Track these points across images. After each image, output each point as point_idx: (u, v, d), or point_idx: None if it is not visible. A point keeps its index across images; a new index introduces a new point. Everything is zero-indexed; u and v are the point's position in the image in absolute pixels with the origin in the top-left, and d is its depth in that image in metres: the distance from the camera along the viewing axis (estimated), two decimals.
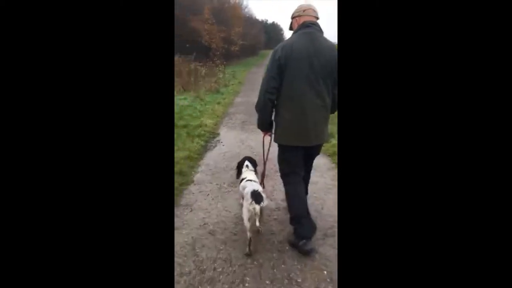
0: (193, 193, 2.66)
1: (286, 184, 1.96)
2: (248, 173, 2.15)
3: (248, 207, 1.74)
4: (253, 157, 2.43)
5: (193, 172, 3.10)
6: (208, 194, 2.64)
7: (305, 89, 1.70)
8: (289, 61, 1.68)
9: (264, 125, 1.93)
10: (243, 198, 1.92)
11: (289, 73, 1.70)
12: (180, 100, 6.82)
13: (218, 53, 13.42)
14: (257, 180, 2.07)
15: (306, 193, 2.11)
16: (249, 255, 1.80)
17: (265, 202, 1.79)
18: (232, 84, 9.95)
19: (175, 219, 2.22)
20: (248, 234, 1.80)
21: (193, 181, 2.89)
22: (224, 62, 12.00)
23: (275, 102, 1.80)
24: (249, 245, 1.81)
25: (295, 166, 1.90)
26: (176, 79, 8.23)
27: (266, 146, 2.14)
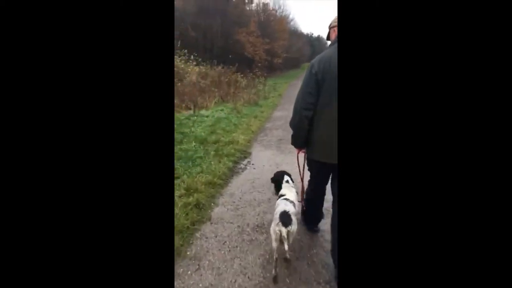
0: (206, 238, 2.05)
1: (310, 190, 1.95)
2: (288, 189, 1.97)
3: (275, 228, 1.62)
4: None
5: (212, 204, 2.52)
6: (225, 242, 2.01)
7: (335, 109, 1.48)
8: (327, 76, 1.53)
9: (299, 143, 1.80)
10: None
11: (327, 88, 1.54)
12: (216, 112, 6.45)
13: (260, 64, 13.13)
14: (295, 199, 1.89)
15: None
16: (275, 278, 1.64)
17: (293, 226, 1.63)
18: (272, 97, 9.42)
19: (175, 282, 1.62)
20: (274, 255, 1.65)
21: (209, 218, 2.30)
22: (265, 74, 11.60)
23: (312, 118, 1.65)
24: (275, 266, 1.65)
25: (320, 182, 1.86)
26: (214, 89, 7.96)
27: (301, 164, 1.99)
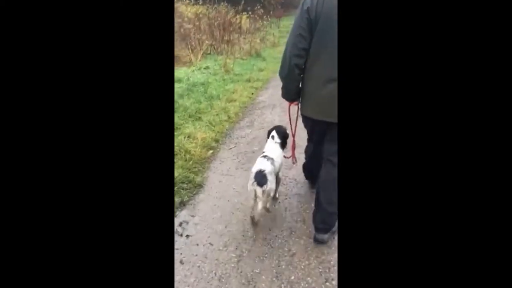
0: None
1: (307, 157, 1.92)
2: (271, 145, 1.85)
3: (250, 187, 1.59)
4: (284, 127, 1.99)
5: None
6: None
7: (331, 56, 1.33)
8: (322, 15, 1.31)
9: (290, 95, 1.61)
10: None
11: (320, 31, 1.34)
12: (198, 72, 4.71)
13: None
14: (277, 155, 1.78)
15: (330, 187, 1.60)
16: (255, 225, 1.70)
17: (268, 186, 1.56)
18: (284, 44, 7.26)
19: None
20: (251, 212, 1.67)
21: None
22: (281, 11, 9.05)
23: (304, 67, 1.45)
24: (253, 219, 1.70)
25: (315, 141, 1.73)
26: (201, 36, 5.96)
27: (294, 117, 1.79)
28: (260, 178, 1.55)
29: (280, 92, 1.66)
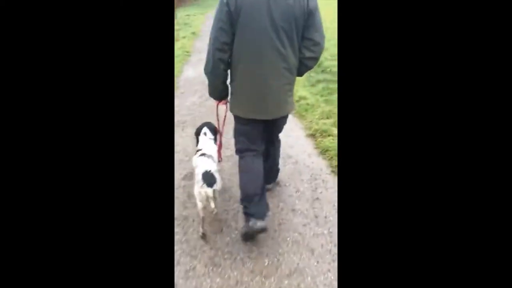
0: None
1: (240, 158, 1.65)
2: (205, 142, 1.81)
3: (200, 190, 1.53)
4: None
5: None
6: None
7: (264, 47, 1.33)
8: (242, 7, 1.27)
9: (217, 93, 1.55)
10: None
11: (243, 23, 1.30)
12: None
13: None
14: (214, 152, 1.76)
15: (270, 168, 1.79)
16: (204, 236, 1.65)
17: (218, 185, 1.58)
18: (183, 38, 6.98)
19: None
20: (201, 213, 1.61)
21: None
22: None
23: (229, 61, 1.41)
24: (202, 225, 1.65)
25: (251, 143, 1.60)
26: None
27: (221, 116, 1.75)
28: (209, 179, 1.53)
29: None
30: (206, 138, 1.85)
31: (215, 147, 1.82)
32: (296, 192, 2.02)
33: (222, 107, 1.67)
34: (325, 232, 1.67)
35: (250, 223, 1.49)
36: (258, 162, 1.61)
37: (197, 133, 1.91)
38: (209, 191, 1.51)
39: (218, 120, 1.81)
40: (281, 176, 2.10)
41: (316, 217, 1.79)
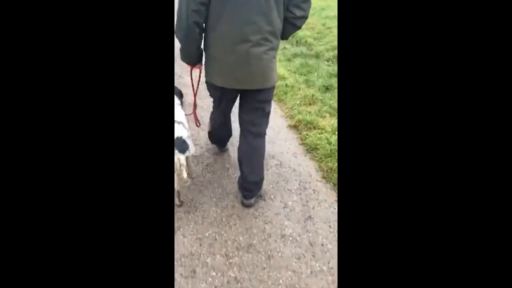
0: None
1: (210, 119, 1.78)
2: (176, 110, 1.64)
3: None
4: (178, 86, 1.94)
5: None
6: None
7: (246, 8, 1.19)
8: None
9: (191, 58, 1.39)
10: None
11: None
12: None
13: None
14: (183, 118, 1.63)
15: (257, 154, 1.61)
16: (180, 205, 1.64)
17: (191, 150, 1.50)
18: None
19: None
20: (175, 186, 1.52)
21: None
22: None
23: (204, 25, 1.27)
24: (178, 196, 1.63)
25: (223, 108, 1.61)
26: None
27: (195, 81, 1.63)
28: (182, 146, 1.44)
29: None
30: (178, 107, 1.71)
31: (183, 112, 1.71)
32: (284, 208, 1.66)
33: (196, 71, 1.53)
34: (325, 268, 1.35)
35: (243, 200, 1.65)
36: (254, 141, 1.58)
37: None
38: (182, 158, 1.43)
39: (192, 85, 1.66)
40: (264, 184, 1.70)
41: (311, 245, 1.46)
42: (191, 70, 1.52)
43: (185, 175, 1.45)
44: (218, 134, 1.89)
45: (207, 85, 1.50)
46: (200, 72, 1.53)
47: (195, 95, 1.70)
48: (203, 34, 1.31)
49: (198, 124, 1.85)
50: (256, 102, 1.47)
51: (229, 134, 1.92)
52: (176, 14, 1.16)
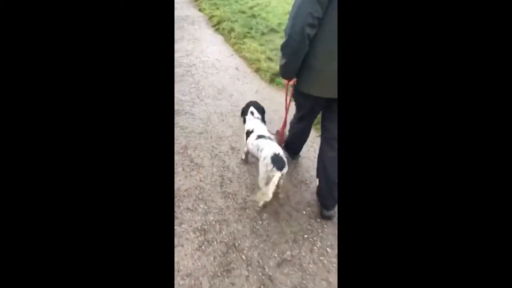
0: None
1: (290, 128, 1.85)
2: (254, 122, 1.78)
3: (268, 174, 1.50)
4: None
5: None
6: None
7: (332, 19, 1.23)
8: None
9: (294, 72, 1.45)
10: (247, 153, 1.85)
11: None
12: None
13: None
14: (268, 133, 1.72)
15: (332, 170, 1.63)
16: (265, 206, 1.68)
17: (286, 168, 1.53)
18: None
19: None
20: (269, 197, 1.48)
21: None
22: None
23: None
24: (261, 210, 1.68)
25: (307, 118, 1.71)
26: None
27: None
28: (279, 163, 1.47)
29: None
30: (253, 117, 1.79)
31: (265, 127, 1.77)
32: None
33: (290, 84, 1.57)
34: None
35: (324, 212, 1.71)
36: (308, 129, 1.77)
37: (244, 113, 1.85)
38: (277, 174, 1.46)
39: (286, 98, 1.73)
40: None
41: None
42: (287, 84, 1.56)
43: (271, 193, 1.46)
44: (294, 143, 2.00)
45: (296, 94, 1.58)
46: (293, 87, 1.54)
47: (286, 109, 1.74)
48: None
49: (284, 143, 1.89)
50: (332, 112, 1.55)
51: (302, 145, 2.05)
52: (286, 32, 1.27)
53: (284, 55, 1.37)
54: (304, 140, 1.97)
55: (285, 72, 1.46)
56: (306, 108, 1.62)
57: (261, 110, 1.87)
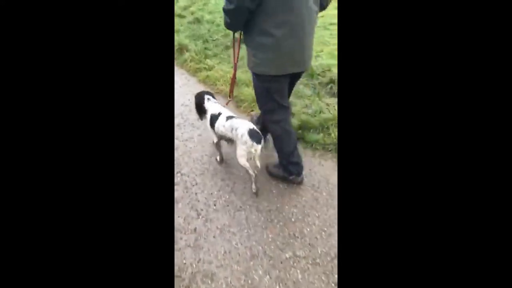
0: None
1: (272, 122, 1.62)
2: (217, 106, 1.79)
3: (250, 149, 1.55)
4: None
5: None
6: None
7: None
8: None
9: (239, 27, 1.42)
10: (219, 138, 1.78)
11: None
12: None
13: None
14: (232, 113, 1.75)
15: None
16: (257, 192, 1.69)
17: (263, 140, 1.61)
18: None
19: None
20: (251, 172, 1.64)
21: None
22: None
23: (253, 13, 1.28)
24: (255, 182, 1.68)
25: (281, 99, 1.56)
26: None
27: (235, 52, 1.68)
28: (256, 136, 1.53)
29: None
30: (212, 102, 1.80)
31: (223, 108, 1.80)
32: None
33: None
34: None
35: (291, 178, 1.70)
36: (290, 121, 1.66)
37: (201, 101, 1.81)
38: (258, 148, 1.53)
39: (234, 53, 1.67)
40: None
41: None
42: (233, 39, 1.66)
43: (258, 164, 1.60)
44: (289, 145, 1.89)
45: (257, 83, 1.51)
46: (239, 41, 1.56)
47: (235, 64, 1.69)
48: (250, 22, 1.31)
49: (231, 97, 1.85)
50: (293, 82, 1.61)
51: (295, 140, 1.88)
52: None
53: (226, 16, 1.33)
54: (294, 140, 1.68)
55: (229, 24, 1.38)
56: (271, 91, 1.50)
57: (213, 96, 1.89)
